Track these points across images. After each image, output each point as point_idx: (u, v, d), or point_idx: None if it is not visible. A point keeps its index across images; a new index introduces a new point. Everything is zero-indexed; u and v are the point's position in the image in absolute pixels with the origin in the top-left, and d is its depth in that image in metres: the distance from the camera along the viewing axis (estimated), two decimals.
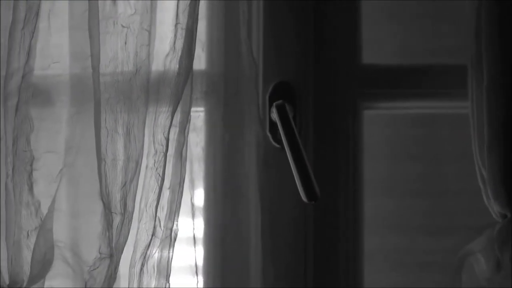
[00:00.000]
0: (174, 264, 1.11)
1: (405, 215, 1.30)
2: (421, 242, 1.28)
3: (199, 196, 1.15)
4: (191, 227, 1.14)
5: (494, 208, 1.07)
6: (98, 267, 1.03)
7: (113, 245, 1.05)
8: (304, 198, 1.09)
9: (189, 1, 1.11)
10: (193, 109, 1.15)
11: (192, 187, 1.15)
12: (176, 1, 1.11)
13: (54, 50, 1.12)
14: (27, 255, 1.06)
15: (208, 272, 1.14)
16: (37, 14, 1.09)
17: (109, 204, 1.06)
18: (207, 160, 1.15)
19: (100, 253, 1.04)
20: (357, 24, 1.21)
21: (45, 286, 1.08)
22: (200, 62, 1.17)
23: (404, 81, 1.22)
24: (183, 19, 1.11)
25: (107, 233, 1.04)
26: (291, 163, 1.09)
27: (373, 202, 1.26)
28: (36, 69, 1.10)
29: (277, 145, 1.16)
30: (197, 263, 1.13)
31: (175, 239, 1.10)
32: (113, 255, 1.04)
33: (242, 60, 1.15)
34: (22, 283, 1.07)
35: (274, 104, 1.11)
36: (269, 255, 1.12)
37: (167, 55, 1.11)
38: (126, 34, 1.11)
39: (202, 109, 1.18)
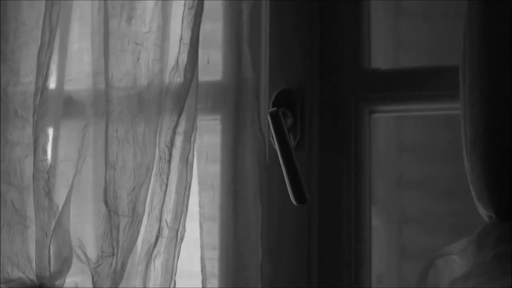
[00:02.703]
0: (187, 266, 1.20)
1: (437, 215, 1.31)
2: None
3: (205, 200, 1.23)
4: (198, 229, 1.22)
5: (481, 209, 1.07)
6: (100, 264, 1.14)
7: (120, 245, 1.15)
8: (293, 200, 1.14)
9: (191, 17, 1.19)
10: (209, 117, 1.24)
11: (201, 190, 1.22)
12: (181, 17, 1.20)
13: (74, 68, 1.25)
14: (46, 254, 1.19)
15: (218, 274, 1.21)
16: (55, 36, 1.21)
17: (117, 207, 1.16)
18: (214, 165, 1.22)
19: (102, 252, 1.14)
20: (363, 29, 1.24)
21: (68, 281, 1.21)
22: (216, 72, 1.25)
23: (413, 83, 1.23)
24: (186, 35, 1.19)
25: (110, 234, 1.14)
26: (282, 168, 1.15)
27: (402, 200, 1.29)
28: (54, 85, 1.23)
29: None
30: (206, 265, 1.21)
31: (181, 240, 1.18)
32: (115, 254, 1.14)
33: (246, 70, 1.21)
34: (47, 279, 1.20)
35: (268, 112, 1.17)
36: (269, 256, 1.18)
37: (172, 68, 1.20)
38: (139, 51, 1.21)
39: (217, 116, 1.25)
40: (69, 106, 1.25)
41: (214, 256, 1.20)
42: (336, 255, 1.22)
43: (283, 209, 1.22)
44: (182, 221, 1.19)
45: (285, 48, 1.24)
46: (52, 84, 1.25)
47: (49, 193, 1.18)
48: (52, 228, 1.18)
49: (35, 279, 1.21)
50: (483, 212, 1.08)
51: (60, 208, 1.19)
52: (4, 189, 1.23)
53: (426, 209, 1.45)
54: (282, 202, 1.21)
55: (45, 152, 1.19)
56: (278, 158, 1.20)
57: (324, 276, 1.22)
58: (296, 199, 1.14)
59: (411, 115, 1.27)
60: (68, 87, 1.26)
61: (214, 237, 1.20)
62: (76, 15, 1.24)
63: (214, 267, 1.19)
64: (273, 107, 1.22)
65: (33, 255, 1.21)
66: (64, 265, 1.19)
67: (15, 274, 1.22)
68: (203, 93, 1.22)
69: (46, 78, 1.21)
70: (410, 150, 1.49)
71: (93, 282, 1.15)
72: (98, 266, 1.14)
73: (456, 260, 1.03)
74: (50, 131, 1.21)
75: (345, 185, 1.22)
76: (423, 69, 1.24)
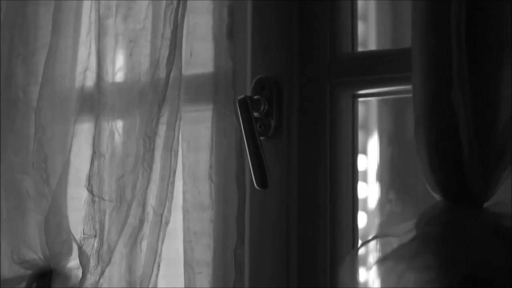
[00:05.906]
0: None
1: None
2: None
3: (187, 186, 1.28)
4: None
5: (431, 192, 1.05)
6: (83, 245, 1.23)
7: (106, 229, 1.24)
8: (256, 184, 1.18)
9: (170, 12, 1.25)
10: (192, 107, 1.29)
11: (184, 177, 1.28)
12: (163, 13, 1.26)
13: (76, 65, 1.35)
14: (49, 237, 1.29)
15: (197, 259, 1.26)
16: (54, 37, 1.32)
17: (103, 193, 1.25)
18: (195, 153, 1.27)
19: (84, 234, 1.23)
20: (341, 14, 1.25)
21: (74, 263, 1.31)
22: (199, 64, 1.30)
23: (394, 65, 1.22)
24: (167, 30, 1.25)
25: (91, 217, 1.23)
26: (248, 153, 1.18)
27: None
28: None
29: (260, 137, 1.24)
30: (187, 249, 1.25)
31: (166, 224, 1.25)
32: (97, 236, 1.23)
33: (226, 61, 1.25)
34: (52, 261, 1.31)
35: (237, 99, 1.21)
36: (241, 239, 1.21)
37: (156, 62, 1.26)
38: (132, 47, 1.29)
39: (201, 107, 1.30)
40: (73, 102, 1.35)
41: (195, 240, 1.25)
42: (314, 245, 1.22)
43: (261, 198, 1.24)
44: (167, 206, 1.25)
45: (265, 37, 1.27)
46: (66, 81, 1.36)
47: (47, 181, 1.29)
48: (47, 213, 1.28)
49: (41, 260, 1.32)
50: (434, 195, 1.05)
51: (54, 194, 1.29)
52: (20, 179, 1.36)
53: None
54: (262, 192, 1.23)
55: (42, 144, 1.30)
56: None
57: (303, 273, 1.22)
58: (258, 183, 1.17)
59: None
60: (70, 84, 1.36)
61: (195, 222, 1.25)
62: (76, 17, 1.34)
63: (194, 251, 1.24)
64: (252, 95, 1.25)
65: (43, 239, 1.32)
66: (64, 247, 1.29)
67: (30, 255, 1.34)
68: (186, 85, 1.28)
69: (44, 76, 1.32)
70: None
71: (80, 262, 1.24)
72: (81, 246, 1.23)
73: (394, 242, 1.02)
74: (50, 125, 1.32)
75: (322, 173, 1.22)
76: (406, 51, 1.21)
